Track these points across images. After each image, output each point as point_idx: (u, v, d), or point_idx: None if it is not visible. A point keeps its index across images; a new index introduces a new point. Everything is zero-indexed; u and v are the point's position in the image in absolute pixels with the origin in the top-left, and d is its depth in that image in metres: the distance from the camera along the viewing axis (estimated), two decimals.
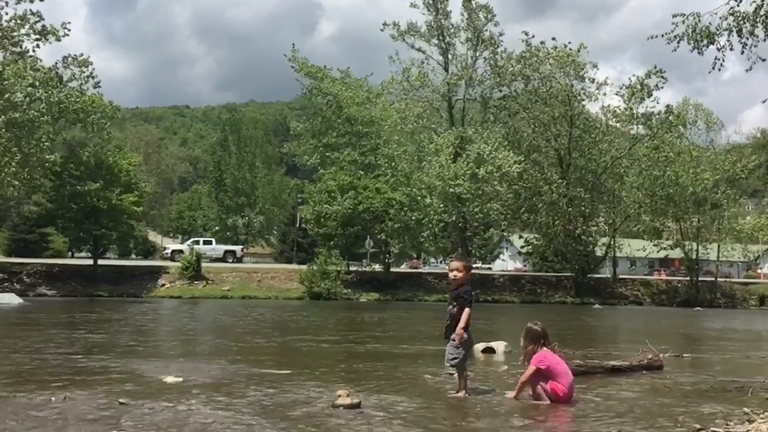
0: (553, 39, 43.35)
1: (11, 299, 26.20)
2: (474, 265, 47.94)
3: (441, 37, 44.57)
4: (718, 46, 11.06)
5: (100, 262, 39.36)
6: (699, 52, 11.08)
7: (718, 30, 10.94)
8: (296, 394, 6.88)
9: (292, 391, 7.09)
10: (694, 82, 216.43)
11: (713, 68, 11.45)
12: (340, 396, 6.36)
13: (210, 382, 7.76)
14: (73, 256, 54.51)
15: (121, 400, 6.25)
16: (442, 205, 40.25)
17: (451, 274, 6.83)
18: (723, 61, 11.35)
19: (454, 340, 6.62)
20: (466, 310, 6.56)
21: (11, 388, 7.10)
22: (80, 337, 13.19)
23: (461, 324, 6.55)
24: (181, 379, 7.80)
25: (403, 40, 44.37)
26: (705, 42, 10.99)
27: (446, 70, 44.78)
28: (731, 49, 11.11)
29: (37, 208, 40.34)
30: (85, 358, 9.82)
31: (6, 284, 33.54)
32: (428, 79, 44.48)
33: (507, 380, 8.37)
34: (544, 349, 6.75)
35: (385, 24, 44.42)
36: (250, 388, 7.20)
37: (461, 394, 6.82)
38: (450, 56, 44.84)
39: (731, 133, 73.57)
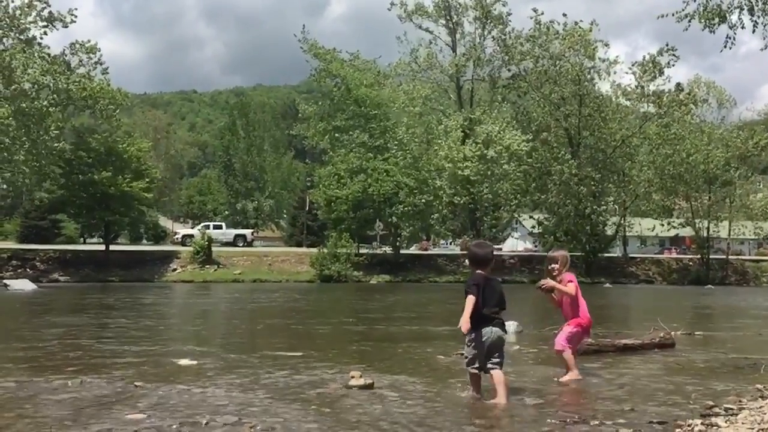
0: (564, 15, 43.00)
1: (25, 285, 26.44)
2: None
3: (449, 17, 44.26)
4: (730, 24, 10.90)
5: (112, 247, 39.58)
6: (710, 31, 10.93)
7: (729, 8, 10.79)
8: (310, 376, 6.93)
9: (305, 372, 7.15)
10: (710, 57, 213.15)
11: (725, 47, 11.31)
12: (353, 377, 6.40)
13: (224, 365, 7.83)
14: (85, 242, 54.81)
15: (136, 384, 6.33)
16: (451, 189, 40.13)
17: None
18: (734, 39, 11.21)
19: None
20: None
21: (28, 372, 7.20)
22: (94, 322, 13.31)
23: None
24: (195, 363, 7.87)
25: (411, 20, 44.09)
26: (716, 20, 10.82)
27: (454, 50, 44.51)
28: (743, 27, 10.96)
29: (49, 195, 40.53)
30: (99, 343, 9.92)
31: (20, 270, 33.87)
32: (436, 60, 44.23)
33: (519, 359, 8.41)
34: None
35: (392, 3, 44.10)
36: (263, 371, 7.26)
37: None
38: (458, 36, 44.56)
39: (743, 110, 73.00)
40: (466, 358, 5.86)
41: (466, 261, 6.23)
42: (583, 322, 6.84)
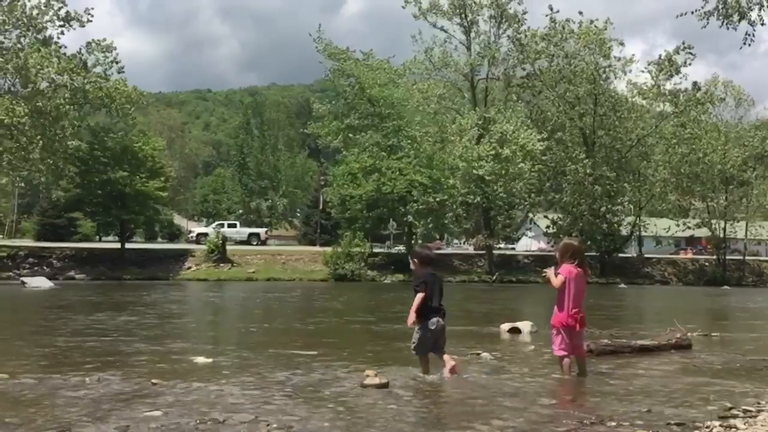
0: (580, 13, 42.75)
1: (42, 283, 26.66)
2: (496, 245, 47.84)
3: (463, 15, 44.10)
4: (750, 20, 10.81)
5: (128, 245, 39.87)
6: (728, 27, 10.84)
7: (749, 4, 10.70)
8: (325, 375, 6.94)
9: (320, 371, 7.16)
10: (728, 55, 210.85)
11: (744, 43, 11.23)
12: (368, 376, 6.41)
13: (240, 363, 7.86)
14: (100, 240, 55.27)
15: (153, 381, 6.37)
16: (464, 188, 40.03)
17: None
18: (753, 36, 11.13)
19: None
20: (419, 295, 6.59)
21: (46, 369, 7.27)
22: (111, 320, 13.39)
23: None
24: (211, 361, 7.91)
25: (425, 18, 43.97)
26: (736, 17, 10.73)
27: (468, 49, 44.37)
28: (762, 24, 10.86)
29: (65, 193, 40.89)
30: (116, 340, 9.99)
31: (36, 268, 34.18)
32: (451, 59, 44.12)
33: (534, 359, 8.38)
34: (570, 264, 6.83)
35: (406, 1, 43.99)
36: (279, 369, 7.28)
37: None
38: (473, 35, 44.39)
39: (761, 109, 72.36)
40: (414, 344, 6.69)
41: (414, 260, 6.90)
42: (554, 322, 6.77)
